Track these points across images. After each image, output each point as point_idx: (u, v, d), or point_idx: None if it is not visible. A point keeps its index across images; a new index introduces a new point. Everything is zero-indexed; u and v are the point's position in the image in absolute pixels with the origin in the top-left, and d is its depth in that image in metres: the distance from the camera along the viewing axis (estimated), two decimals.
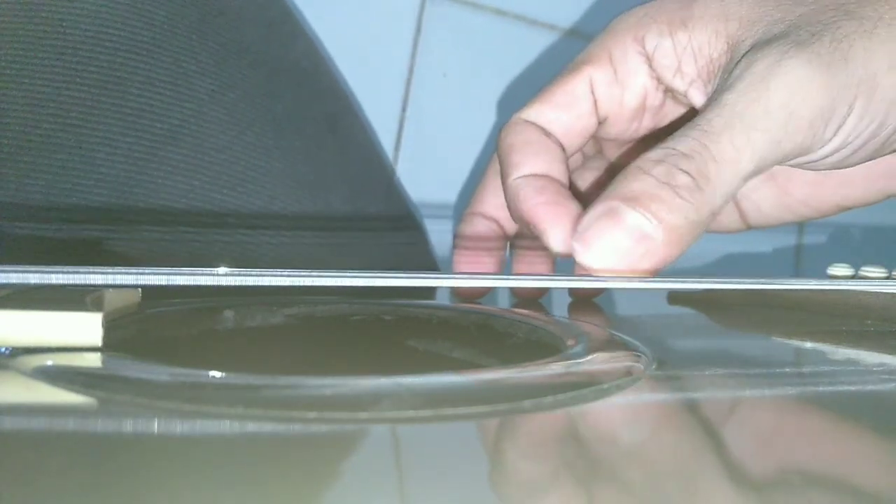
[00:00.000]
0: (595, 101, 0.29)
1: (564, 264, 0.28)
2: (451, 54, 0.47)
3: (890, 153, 0.27)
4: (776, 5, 0.26)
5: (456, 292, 0.34)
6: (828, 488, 0.15)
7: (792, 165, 0.27)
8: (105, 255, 0.31)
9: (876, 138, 0.26)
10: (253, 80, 0.36)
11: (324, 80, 0.41)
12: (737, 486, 0.15)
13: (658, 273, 0.24)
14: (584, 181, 0.34)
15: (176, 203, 0.33)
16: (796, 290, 0.31)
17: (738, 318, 0.33)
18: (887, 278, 0.28)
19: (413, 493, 0.14)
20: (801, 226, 0.52)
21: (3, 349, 0.19)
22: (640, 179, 0.24)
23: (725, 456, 0.17)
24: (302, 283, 0.20)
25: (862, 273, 0.29)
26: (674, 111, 0.30)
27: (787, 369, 0.25)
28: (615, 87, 0.29)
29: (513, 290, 0.36)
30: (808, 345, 0.28)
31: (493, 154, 0.32)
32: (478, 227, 0.33)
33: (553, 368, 0.20)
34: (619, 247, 0.23)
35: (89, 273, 0.19)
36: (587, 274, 0.24)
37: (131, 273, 0.19)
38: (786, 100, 0.24)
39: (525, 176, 0.28)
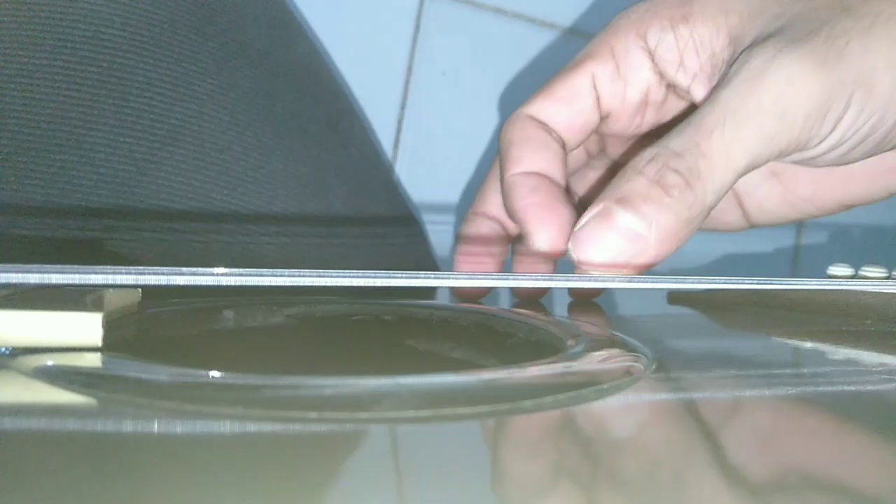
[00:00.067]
0: (597, 97, 0.30)
1: (564, 264, 0.28)
2: (450, 53, 0.47)
3: (891, 149, 0.27)
4: (776, 0, 0.26)
5: (456, 292, 0.34)
6: (828, 489, 0.15)
7: (792, 162, 0.27)
8: (105, 255, 0.31)
9: (875, 133, 0.26)
10: (253, 81, 0.36)
11: (324, 80, 0.41)
12: (737, 487, 0.15)
13: (653, 270, 0.24)
14: (589, 180, 0.34)
15: (176, 203, 0.33)
16: (796, 290, 0.31)
17: (738, 318, 0.33)
18: (887, 278, 0.28)
19: (413, 493, 0.14)
20: (799, 225, 0.52)
21: (3, 349, 0.19)
22: (633, 179, 0.24)
23: (725, 456, 0.17)
24: (302, 283, 0.20)
25: (862, 273, 0.29)
26: (677, 106, 0.30)
27: (787, 369, 0.25)
28: (617, 83, 0.29)
29: (513, 291, 0.36)
30: (808, 345, 0.28)
31: (497, 155, 0.32)
32: (480, 227, 0.33)
33: (553, 368, 0.20)
34: (612, 247, 0.24)
35: (89, 273, 0.19)
36: (587, 274, 0.24)
37: (131, 273, 0.19)
38: (778, 96, 0.24)
39: (522, 173, 0.28)
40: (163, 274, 0.19)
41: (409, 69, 0.46)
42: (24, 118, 0.31)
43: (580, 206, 0.27)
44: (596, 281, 0.25)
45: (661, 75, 0.29)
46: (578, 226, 0.25)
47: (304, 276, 0.20)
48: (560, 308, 0.34)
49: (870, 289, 0.28)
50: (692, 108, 0.29)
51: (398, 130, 0.47)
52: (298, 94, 0.38)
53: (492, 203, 0.33)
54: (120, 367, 0.19)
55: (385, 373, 0.18)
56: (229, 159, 0.34)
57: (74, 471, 0.14)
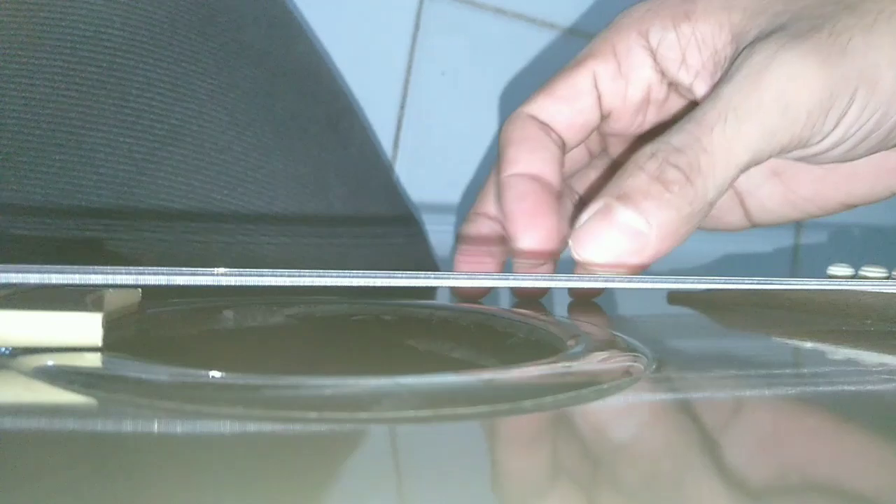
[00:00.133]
0: (598, 96, 0.30)
1: (565, 264, 0.28)
2: (449, 53, 0.47)
3: (894, 146, 0.27)
4: None
5: (456, 292, 0.34)
6: (828, 489, 0.15)
7: (795, 159, 0.27)
8: (105, 255, 0.31)
9: (879, 131, 0.26)
10: (253, 81, 0.36)
11: (324, 80, 0.41)
12: (737, 487, 0.15)
13: (653, 270, 0.24)
14: (590, 179, 0.34)
15: (176, 203, 0.33)
16: (796, 290, 0.31)
17: (738, 318, 0.33)
18: (887, 278, 0.28)
19: (413, 493, 0.14)
20: (799, 225, 0.52)
21: (3, 349, 0.19)
22: (634, 176, 0.24)
23: (725, 456, 0.17)
24: (302, 283, 0.20)
25: (862, 273, 0.29)
26: (678, 105, 0.30)
27: (787, 369, 0.25)
28: (619, 81, 0.29)
29: (513, 290, 0.36)
30: (808, 345, 0.28)
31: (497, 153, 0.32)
32: (481, 227, 0.33)
33: (553, 368, 0.20)
34: (613, 244, 0.24)
35: (89, 273, 0.19)
36: (587, 274, 0.24)
37: (131, 273, 0.19)
38: (781, 91, 0.24)
39: (515, 175, 0.29)
40: (163, 274, 0.19)
41: (409, 69, 0.46)
42: (24, 118, 0.31)
43: (581, 206, 0.27)
44: (596, 281, 0.25)
45: (663, 74, 0.29)
46: (579, 223, 0.25)
47: (304, 276, 0.20)
48: (560, 308, 0.34)
49: (870, 289, 0.28)
50: (694, 107, 0.29)
51: (398, 130, 0.47)
52: (298, 94, 0.38)
53: (493, 203, 0.33)
54: (120, 367, 0.19)
55: (385, 373, 0.18)
56: (229, 159, 0.34)
57: (74, 471, 0.14)
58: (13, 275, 0.18)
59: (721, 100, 0.25)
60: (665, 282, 0.25)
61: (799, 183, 0.31)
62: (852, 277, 0.29)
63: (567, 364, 0.21)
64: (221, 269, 0.20)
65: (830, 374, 0.23)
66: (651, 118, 0.31)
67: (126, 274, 0.19)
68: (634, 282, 0.24)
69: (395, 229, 0.41)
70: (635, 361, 0.21)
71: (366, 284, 0.21)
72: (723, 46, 0.27)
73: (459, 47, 0.47)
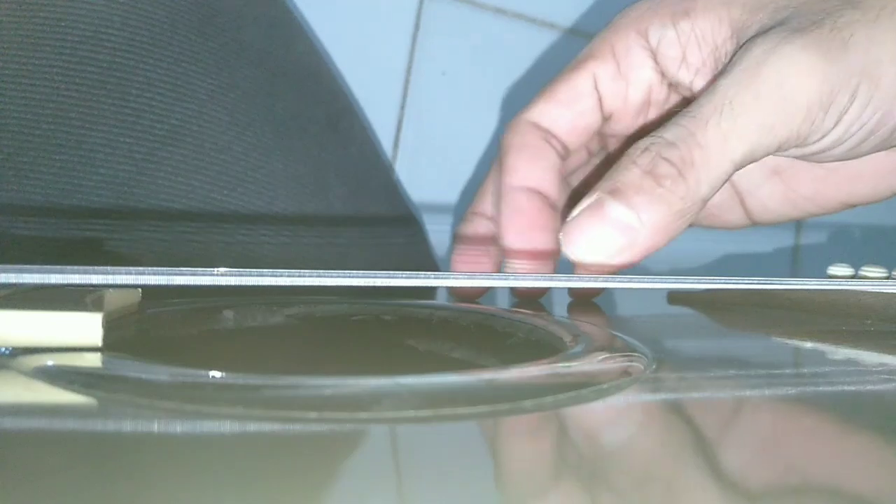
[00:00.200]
0: (599, 97, 0.29)
1: (564, 264, 0.28)
2: (449, 53, 0.47)
3: None
4: None
5: (453, 292, 0.34)
6: (828, 489, 0.15)
7: (796, 157, 0.27)
8: (105, 255, 0.31)
9: (882, 128, 0.25)
10: (253, 81, 0.36)
11: (324, 80, 0.41)
12: (737, 487, 0.15)
13: (653, 270, 0.24)
14: (587, 175, 0.34)
15: (176, 203, 0.33)
16: (796, 290, 0.31)
17: (738, 318, 0.33)
18: (887, 278, 0.28)
19: (413, 493, 0.14)
20: (799, 225, 0.52)
21: (3, 349, 0.19)
22: (626, 170, 0.24)
23: (725, 456, 0.17)
24: (302, 283, 0.20)
25: (862, 273, 0.29)
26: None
27: (787, 369, 0.25)
28: (619, 83, 0.29)
29: (512, 290, 0.36)
30: (808, 345, 0.28)
31: (497, 156, 0.32)
32: (478, 227, 0.33)
33: (553, 368, 0.20)
34: (603, 238, 0.24)
35: (89, 273, 0.19)
36: (587, 274, 0.24)
37: (131, 273, 0.19)
38: (779, 85, 0.24)
39: (512, 188, 0.29)
40: (163, 274, 0.19)
41: (409, 69, 0.46)
42: (24, 118, 0.31)
43: (573, 201, 0.27)
44: (596, 281, 0.25)
45: (664, 74, 0.29)
46: (570, 217, 0.24)
47: (304, 276, 0.20)
48: (560, 308, 0.34)
49: (870, 289, 0.28)
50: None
51: (398, 130, 0.47)
52: (298, 94, 0.38)
53: (489, 204, 0.33)
54: (120, 367, 0.19)
55: (385, 373, 0.18)
56: (229, 159, 0.34)
57: (74, 471, 0.14)
58: (13, 275, 0.18)
59: (717, 93, 0.24)
60: (665, 282, 0.25)
61: (800, 182, 0.31)
62: (852, 277, 0.29)
63: (567, 364, 0.21)
64: (221, 269, 0.20)
65: (830, 374, 0.23)
66: (652, 119, 0.31)
67: (126, 274, 0.19)
68: (634, 282, 0.24)
69: (395, 229, 0.41)
70: (635, 361, 0.21)
71: (366, 284, 0.21)
72: (723, 42, 0.27)
73: (459, 47, 0.47)
